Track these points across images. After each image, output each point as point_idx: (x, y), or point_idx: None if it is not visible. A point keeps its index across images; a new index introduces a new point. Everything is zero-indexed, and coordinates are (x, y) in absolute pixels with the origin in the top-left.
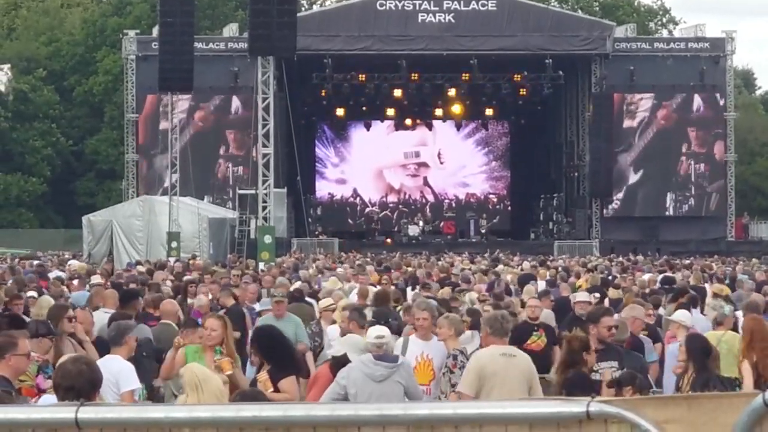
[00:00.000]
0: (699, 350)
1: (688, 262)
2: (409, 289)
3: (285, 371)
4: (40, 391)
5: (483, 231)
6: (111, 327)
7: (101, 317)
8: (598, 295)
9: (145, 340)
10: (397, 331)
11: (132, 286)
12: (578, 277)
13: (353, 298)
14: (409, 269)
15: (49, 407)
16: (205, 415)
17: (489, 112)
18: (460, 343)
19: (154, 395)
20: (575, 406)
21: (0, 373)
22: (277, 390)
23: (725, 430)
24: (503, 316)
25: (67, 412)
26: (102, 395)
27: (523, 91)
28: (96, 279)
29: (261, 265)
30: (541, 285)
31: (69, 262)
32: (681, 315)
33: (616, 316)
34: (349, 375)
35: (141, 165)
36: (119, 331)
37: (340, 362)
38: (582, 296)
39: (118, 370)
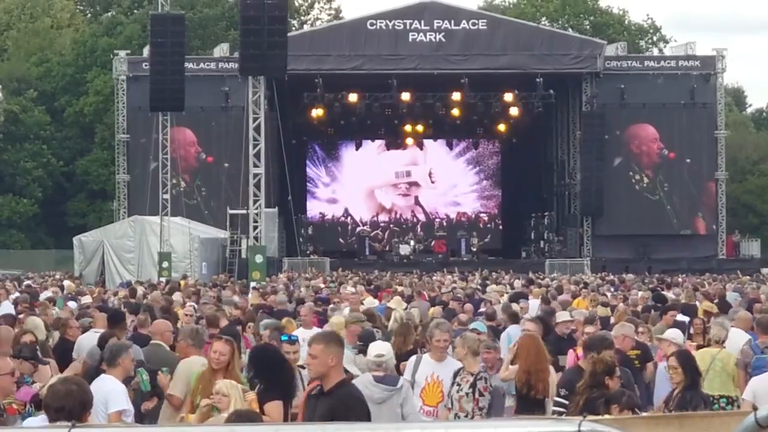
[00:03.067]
0: (692, 367)
1: (680, 279)
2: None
3: (273, 393)
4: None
5: (474, 250)
6: (106, 348)
7: (91, 338)
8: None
9: (137, 361)
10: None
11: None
12: (575, 297)
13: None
14: (400, 288)
15: (40, 429)
16: None
17: (480, 131)
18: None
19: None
20: (567, 425)
21: None
22: (262, 412)
23: None
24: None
25: None
26: (92, 416)
27: (514, 110)
28: (86, 299)
29: (252, 284)
30: (534, 303)
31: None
32: (672, 333)
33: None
34: None
35: (132, 185)
36: (113, 352)
37: None
38: (564, 316)
39: (108, 391)
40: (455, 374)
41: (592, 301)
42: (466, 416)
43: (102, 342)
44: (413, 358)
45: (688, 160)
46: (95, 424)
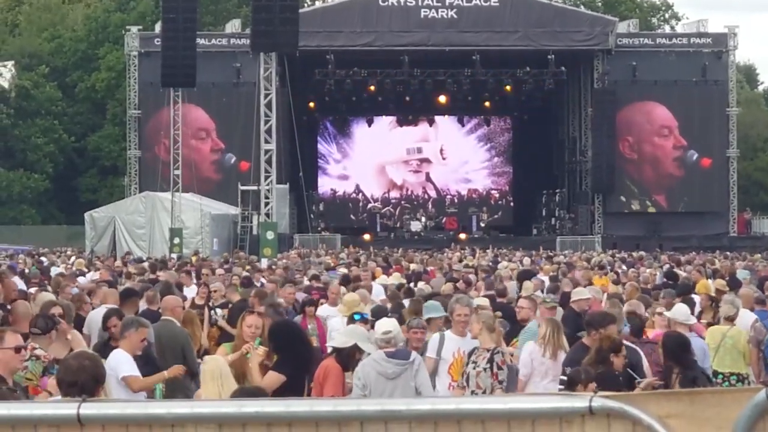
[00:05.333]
0: (676, 347)
1: (691, 257)
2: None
3: (280, 367)
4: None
5: (483, 226)
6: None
7: (102, 313)
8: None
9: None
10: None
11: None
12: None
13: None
14: (412, 266)
15: (51, 403)
16: (207, 411)
17: (491, 107)
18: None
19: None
20: (578, 401)
21: None
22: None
23: (728, 425)
24: None
25: (69, 408)
26: (107, 390)
27: (525, 87)
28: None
29: (264, 261)
30: (546, 280)
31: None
32: (677, 312)
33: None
34: (363, 372)
35: (143, 161)
36: (122, 326)
37: (345, 353)
38: (581, 293)
39: (115, 361)
40: (470, 354)
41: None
42: (483, 393)
43: (104, 319)
44: (436, 335)
45: (699, 137)
46: (106, 399)
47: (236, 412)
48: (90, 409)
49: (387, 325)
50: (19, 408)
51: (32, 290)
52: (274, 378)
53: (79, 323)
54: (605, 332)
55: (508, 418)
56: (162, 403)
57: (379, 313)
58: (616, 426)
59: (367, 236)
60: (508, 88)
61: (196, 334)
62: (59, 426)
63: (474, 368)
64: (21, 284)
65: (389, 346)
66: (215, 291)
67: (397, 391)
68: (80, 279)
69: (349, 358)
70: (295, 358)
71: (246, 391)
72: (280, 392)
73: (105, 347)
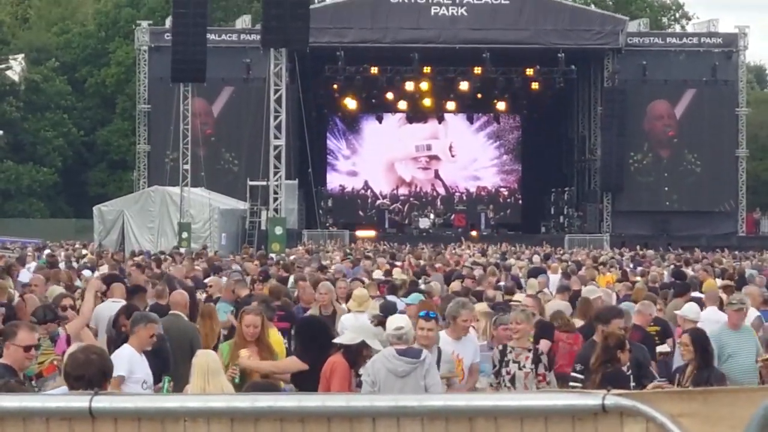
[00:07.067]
0: (703, 346)
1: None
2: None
3: (302, 355)
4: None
5: (493, 224)
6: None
7: (109, 307)
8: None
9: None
10: None
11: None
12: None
13: None
14: (420, 262)
15: (62, 396)
16: (220, 405)
17: (501, 105)
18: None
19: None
20: (591, 399)
21: (3, 361)
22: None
23: (741, 424)
24: None
25: (80, 401)
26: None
27: (535, 85)
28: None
29: (272, 256)
30: (554, 279)
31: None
32: (688, 309)
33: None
34: (373, 368)
35: (152, 155)
36: (133, 321)
37: (352, 350)
38: (594, 292)
39: (117, 359)
40: (502, 352)
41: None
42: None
43: (117, 315)
44: None
45: (708, 138)
46: (118, 392)
47: (249, 407)
48: (102, 402)
49: (399, 321)
50: (31, 400)
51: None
52: (294, 362)
53: None
54: (608, 328)
55: (520, 416)
56: (175, 396)
57: (389, 309)
58: (629, 424)
59: (372, 233)
60: (517, 86)
61: (214, 329)
62: (71, 419)
63: (519, 368)
64: (29, 277)
65: (401, 342)
66: (211, 286)
67: (406, 389)
68: (86, 272)
69: (356, 355)
70: (320, 351)
71: (258, 385)
72: (300, 381)
73: (119, 343)
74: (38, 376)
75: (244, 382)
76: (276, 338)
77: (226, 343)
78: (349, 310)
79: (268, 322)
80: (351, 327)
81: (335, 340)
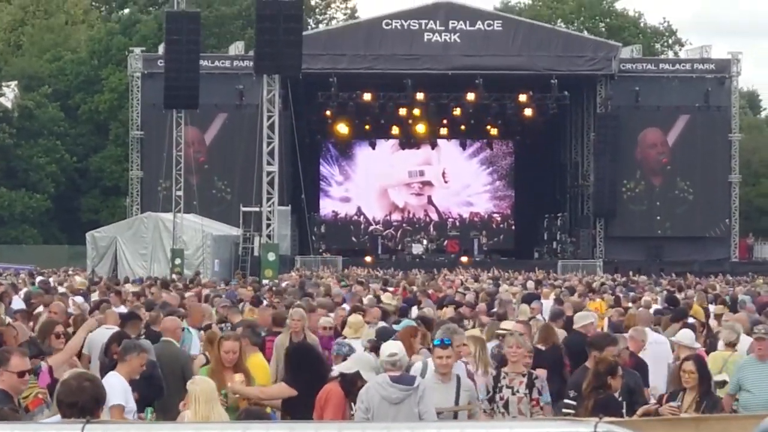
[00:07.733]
0: (707, 373)
1: (692, 281)
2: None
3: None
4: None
5: (486, 250)
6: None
7: (102, 334)
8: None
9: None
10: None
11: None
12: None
13: None
14: (413, 288)
15: (55, 424)
16: None
17: (494, 131)
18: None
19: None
20: (583, 427)
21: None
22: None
23: None
24: None
25: (73, 429)
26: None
27: (528, 111)
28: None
29: (264, 282)
30: (547, 304)
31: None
32: (683, 335)
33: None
34: (367, 395)
35: (145, 182)
36: (123, 349)
37: (348, 380)
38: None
39: (108, 387)
40: (495, 378)
41: (607, 302)
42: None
43: (109, 342)
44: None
45: (701, 164)
46: (110, 420)
47: None
48: (94, 430)
49: (392, 347)
50: (24, 428)
51: (38, 309)
52: (283, 389)
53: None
54: (601, 354)
55: None
56: (167, 425)
57: (384, 335)
58: None
59: (368, 258)
60: (510, 112)
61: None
62: None
63: (512, 393)
64: (21, 304)
65: (395, 369)
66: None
67: (400, 416)
68: (77, 299)
69: (351, 384)
70: (311, 377)
71: (251, 413)
72: (291, 407)
73: (110, 370)
74: (25, 410)
75: (229, 408)
76: (259, 363)
77: (204, 368)
78: (344, 337)
79: (252, 347)
80: (352, 357)
81: (334, 368)
